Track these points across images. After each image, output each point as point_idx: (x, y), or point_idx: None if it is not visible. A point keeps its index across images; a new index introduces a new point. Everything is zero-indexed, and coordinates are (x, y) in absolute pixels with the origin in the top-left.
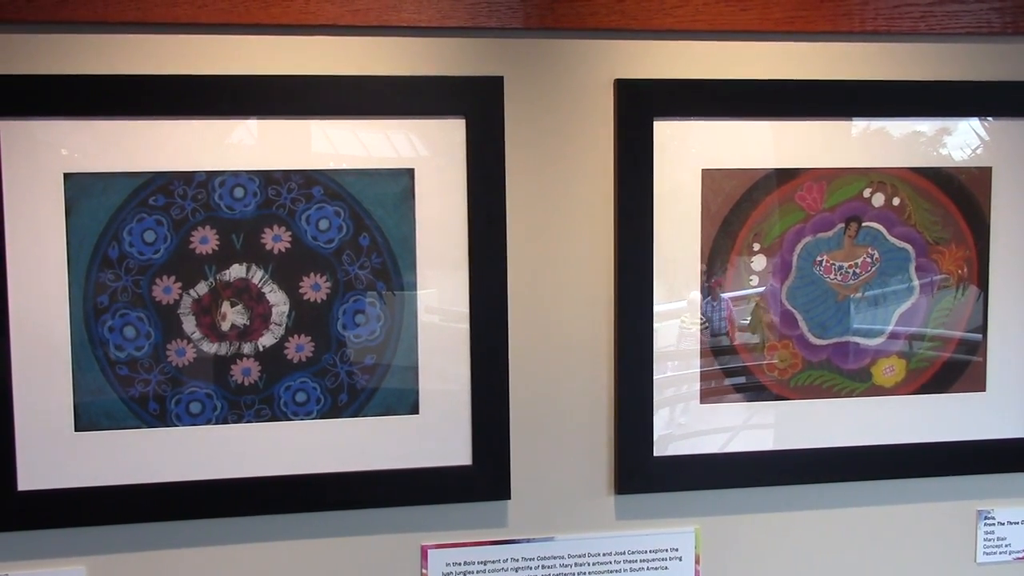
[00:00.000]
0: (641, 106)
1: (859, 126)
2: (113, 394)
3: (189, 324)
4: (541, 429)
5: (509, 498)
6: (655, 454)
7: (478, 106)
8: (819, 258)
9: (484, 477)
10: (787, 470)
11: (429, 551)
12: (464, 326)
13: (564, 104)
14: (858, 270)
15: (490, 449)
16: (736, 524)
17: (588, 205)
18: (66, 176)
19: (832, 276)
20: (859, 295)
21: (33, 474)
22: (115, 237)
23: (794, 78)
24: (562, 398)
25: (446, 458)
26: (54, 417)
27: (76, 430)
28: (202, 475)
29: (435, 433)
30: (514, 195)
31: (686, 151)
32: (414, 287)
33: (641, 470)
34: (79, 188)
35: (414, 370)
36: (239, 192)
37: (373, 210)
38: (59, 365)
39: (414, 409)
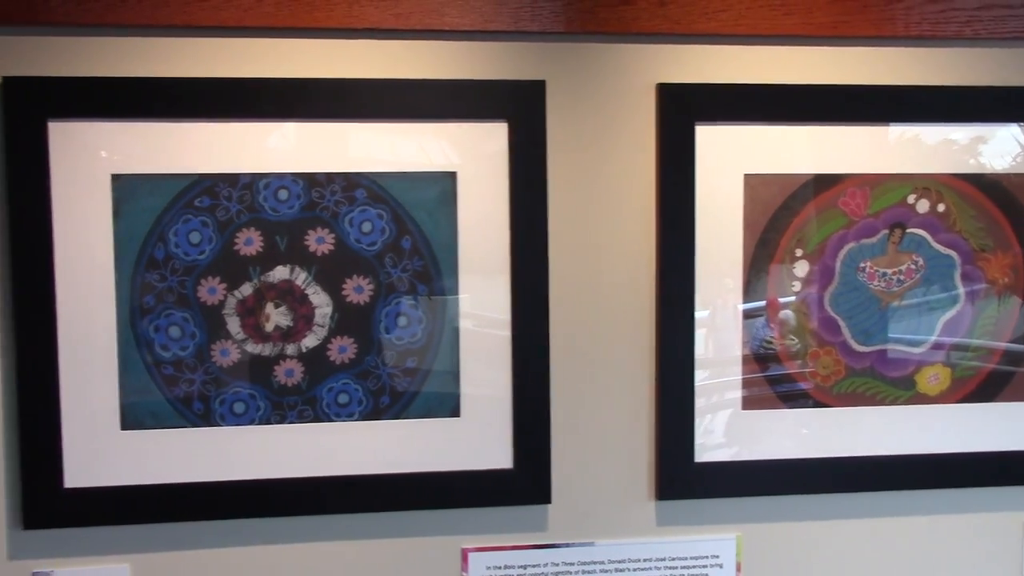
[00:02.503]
0: (683, 111)
1: (903, 131)
2: (158, 394)
3: (233, 325)
4: (582, 434)
5: (549, 502)
6: (696, 460)
7: (520, 110)
8: (862, 264)
9: (525, 481)
10: (829, 478)
11: (469, 554)
12: (505, 332)
13: (606, 108)
14: (902, 277)
15: (531, 453)
16: (778, 532)
17: (630, 209)
18: (114, 177)
19: (875, 283)
20: (903, 302)
21: (79, 472)
22: (161, 238)
23: (837, 83)
24: (603, 403)
25: (487, 461)
26: (100, 416)
27: (122, 429)
28: (245, 475)
29: (476, 436)
30: (556, 199)
31: (728, 156)
32: (455, 291)
33: (682, 476)
34: (126, 189)
35: (455, 374)
36: (283, 194)
37: (415, 213)
38: (105, 365)
39: (455, 412)
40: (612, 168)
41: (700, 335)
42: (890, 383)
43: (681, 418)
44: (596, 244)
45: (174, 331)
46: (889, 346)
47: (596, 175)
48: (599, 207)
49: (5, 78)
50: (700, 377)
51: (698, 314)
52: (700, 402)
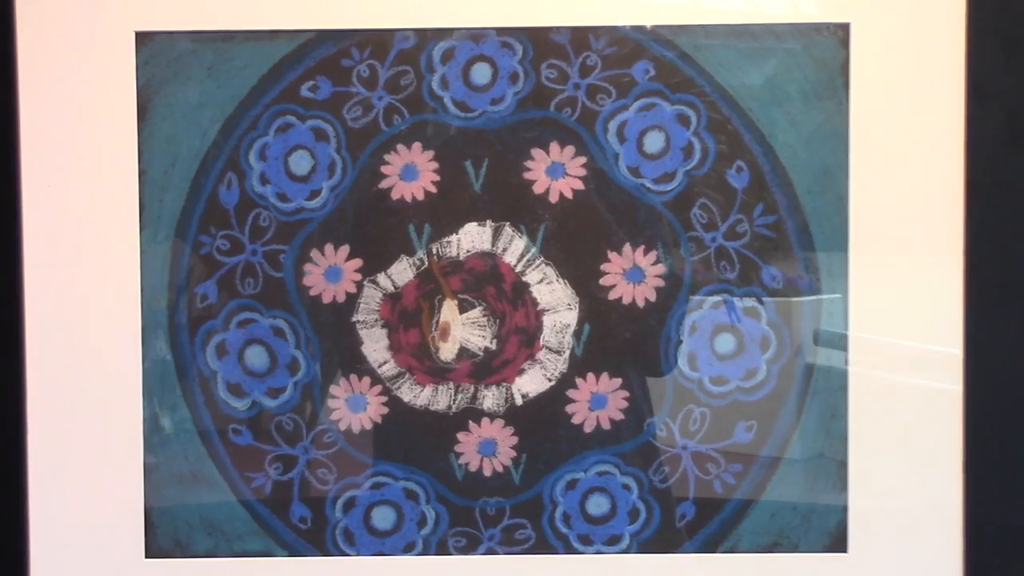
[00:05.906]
0: None
1: None
2: (223, 487)
3: (375, 345)
4: None
5: None
6: None
7: None
8: None
9: None
10: None
11: None
12: (951, 384)
13: None
14: None
15: None
16: None
17: None
18: (139, 38)
19: None
20: None
21: None
22: (233, 164)
23: None
24: None
25: None
26: (106, 530)
27: (148, 556)
28: None
29: None
30: None
31: None
32: (842, 287)
33: None
34: (166, 62)
35: (839, 465)
36: (481, 74)
37: (759, 112)
38: (117, 425)
39: (838, 544)
40: None
41: None
42: None
43: None
44: None
45: (256, 356)
46: None
47: None
48: None
49: None
50: None
51: None
52: None
